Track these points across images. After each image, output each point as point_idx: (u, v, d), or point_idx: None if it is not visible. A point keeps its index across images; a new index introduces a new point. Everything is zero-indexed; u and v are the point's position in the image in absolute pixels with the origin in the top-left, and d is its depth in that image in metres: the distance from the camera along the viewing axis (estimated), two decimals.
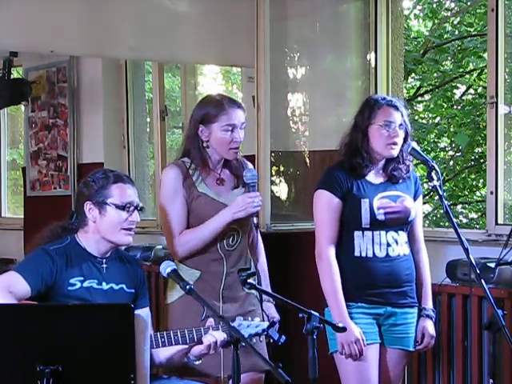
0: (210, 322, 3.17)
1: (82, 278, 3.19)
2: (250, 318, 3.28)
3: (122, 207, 3.19)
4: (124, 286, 3.27)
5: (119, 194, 3.19)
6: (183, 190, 3.56)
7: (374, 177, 3.58)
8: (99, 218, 3.20)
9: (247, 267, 3.63)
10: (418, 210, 3.63)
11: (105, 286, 3.23)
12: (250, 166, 3.70)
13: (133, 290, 3.28)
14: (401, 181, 3.59)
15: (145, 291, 3.34)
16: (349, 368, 3.52)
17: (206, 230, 3.53)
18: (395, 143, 3.50)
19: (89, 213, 3.21)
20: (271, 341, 3.49)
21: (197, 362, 3.22)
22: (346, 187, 3.52)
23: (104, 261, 3.25)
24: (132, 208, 3.21)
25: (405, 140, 3.54)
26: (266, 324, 3.22)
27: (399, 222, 3.54)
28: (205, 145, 3.59)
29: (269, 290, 3.66)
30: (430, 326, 3.59)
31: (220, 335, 3.13)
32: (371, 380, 3.51)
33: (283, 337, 3.09)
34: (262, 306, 3.64)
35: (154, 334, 3.18)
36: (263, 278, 3.71)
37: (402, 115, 3.54)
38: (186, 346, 3.21)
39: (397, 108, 3.54)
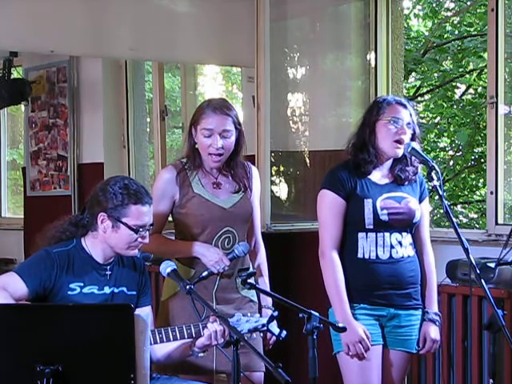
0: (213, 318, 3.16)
1: (82, 284, 3.19)
2: (249, 314, 3.28)
3: (136, 230, 3.18)
4: (125, 288, 3.27)
5: (136, 216, 3.17)
6: (172, 194, 3.56)
7: (379, 177, 3.57)
8: (110, 232, 3.19)
9: (246, 267, 3.63)
10: (423, 212, 3.61)
11: (107, 290, 3.23)
12: (245, 244, 3.60)
13: (134, 292, 3.28)
14: (406, 183, 3.58)
15: (147, 290, 3.34)
16: (351, 369, 3.50)
17: (168, 251, 3.54)
18: (401, 141, 3.48)
19: (101, 223, 3.19)
20: (274, 338, 3.52)
21: (201, 355, 3.21)
22: (349, 187, 3.51)
23: (108, 268, 3.25)
24: (144, 230, 3.21)
25: (412, 140, 3.52)
26: (265, 319, 3.21)
27: (403, 223, 3.53)
28: (196, 146, 3.59)
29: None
30: (432, 331, 3.56)
31: (219, 326, 3.12)
32: (373, 381, 3.50)
33: (284, 331, 3.09)
34: (259, 308, 3.65)
35: (152, 331, 3.18)
36: (264, 284, 3.71)
37: (411, 115, 3.53)
38: (188, 341, 3.21)
39: (405, 107, 3.53)
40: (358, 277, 3.50)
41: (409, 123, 3.51)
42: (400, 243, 3.53)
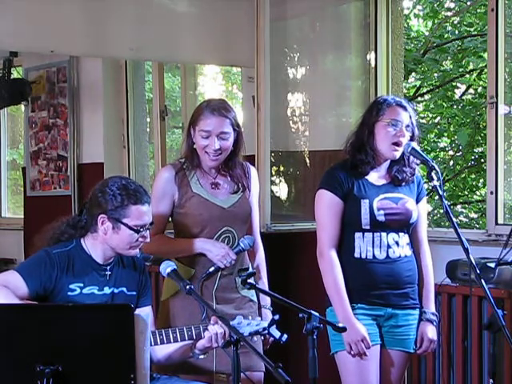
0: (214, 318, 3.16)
1: (82, 284, 3.19)
2: (250, 317, 3.28)
3: (137, 230, 3.18)
4: (125, 289, 3.27)
5: (136, 216, 3.17)
6: (172, 193, 3.57)
7: (376, 178, 3.57)
8: (111, 233, 3.19)
9: (246, 267, 3.63)
10: (421, 212, 3.61)
11: (107, 291, 3.23)
12: (250, 237, 3.63)
13: (134, 293, 3.28)
14: (404, 183, 3.58)
15: (147, 290, 3.35)
16: (349, 369, 3.51)
17: (173, 250, 3.55)
18: (399, 143, 3.48)
19: (101, 225, 3.19)
20: (273, 339, 3.52)
21: (201, 357, 3.21)
22: (346, 187, 3.52)
23: (108, 268, 3.25)
24: (145, 229, 3.20)
25: (411, 141, 3.52)
26: (266, 322, 3.21)
27: (400, 223, 3.53)
28: (195, 146, 3.59)
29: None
30: (429, 331, 3.57)
31: (219, 328, 3.12)
32: (372, 381, 3.50)
33: (285, 335, 3.09)
34: (259, 307, 3.65)
35: (152, 332, 3.18)
36: (262, 285, 3.71)
37: (411, 117, 3.53)
38: (189, 342, 3.20)
39: (405, 109, 3.53)
40: (356, 277, 3.50)
41: (408, 126, 3.51)
42: (397, 243, 3.53)
